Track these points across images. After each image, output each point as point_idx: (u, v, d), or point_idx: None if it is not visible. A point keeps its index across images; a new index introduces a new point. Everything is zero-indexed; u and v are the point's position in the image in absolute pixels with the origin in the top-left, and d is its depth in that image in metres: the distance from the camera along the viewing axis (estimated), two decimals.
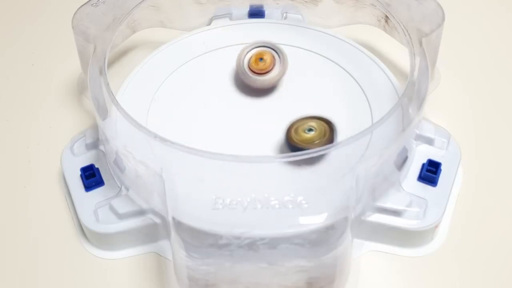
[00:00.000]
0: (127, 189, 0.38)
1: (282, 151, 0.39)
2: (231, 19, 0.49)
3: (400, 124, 0.37)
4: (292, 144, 0.38)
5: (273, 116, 0.42)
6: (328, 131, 0.38)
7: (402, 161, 0.39)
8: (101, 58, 0.40)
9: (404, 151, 0.39)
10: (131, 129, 0.36)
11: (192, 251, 0.34)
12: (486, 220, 0.40)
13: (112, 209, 0.38)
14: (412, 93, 0.38)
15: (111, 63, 0.48)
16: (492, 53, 0.50)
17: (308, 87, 0.44)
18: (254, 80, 0.42)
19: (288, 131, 0.39)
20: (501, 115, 0.46)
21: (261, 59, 0.42)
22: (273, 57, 0.43)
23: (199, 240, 0.34)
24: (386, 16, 0.45)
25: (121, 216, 0.38)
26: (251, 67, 0.43)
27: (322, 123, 0.39)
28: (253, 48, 0.43)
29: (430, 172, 0.39)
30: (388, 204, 0.37)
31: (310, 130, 0.38)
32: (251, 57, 0.43)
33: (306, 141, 0.38)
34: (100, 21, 0.42)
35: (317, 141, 0.38)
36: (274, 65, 0.43)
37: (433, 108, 0.43)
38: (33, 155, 0.44)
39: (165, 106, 0.43)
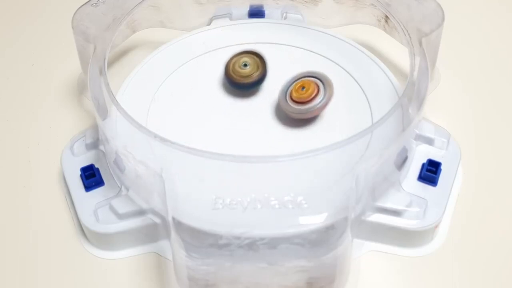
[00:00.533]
0: (127, 189, 0.38)
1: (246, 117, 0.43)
2: (231, 19, 0.49)
3: (400, 124, 0.37)
4: (232, 80, 0.43)
5: (274, 116, 0.42)
6: (260, 64, 0.43)
7: (402, 161, 0.39)
8: (101, 58, 0.40)
9: (404, 151, 0.39)
10: (131, 129, 0.36)
11: (192, 251, 0.34)
12: (486, 220, 0.40)
13: (112, 209, 0.38)
14: (412, 93, 0.38)
15: (111, 63, 0.48)
16: (492, 53, 0.50)
17: None
18: (294, 109, 0.41)
19: (227, 68, 0.43)
20: (501, 115, 0.46)
21: (303, 88, 0.41)
22: (317, 85, 0.41)
23: (199, 240, 0.34)
24: (386, 16, 0.45)
25: (121, 216, 0.38)
26: (292, 97, 0.41)
27: (254, 57, 0.43)
28: (297, 80, 0.42)
29: (430, 172, 0.39)
30: (388, 204, 0.37)
31: (245, 65, 0.43)
32: (293, 86, 0.41)
33: (244, 74, 0.42)
34: (100, 21, 0.42)
35: (254, 74, 0.42)
36: (317, 94, 0.40)
37: (433, 108, 0.43)
38: (33, 155, 0.44)
39: (165, 106, 0.43)
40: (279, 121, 0.42)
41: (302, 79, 0.41)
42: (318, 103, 0.40)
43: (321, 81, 0.41)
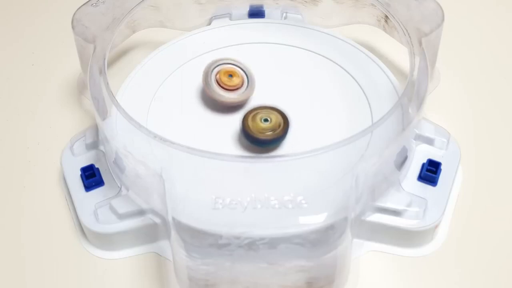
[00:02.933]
0: (127, 189, 0.38)
1: (239, 138, 0.41)
2: (231, 19, 0.49)
3: (400, 124, 0.37)
4: (245, 130, 0.39)
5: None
6: (282, 125, 0.39)
7: (402, 161, 0.39)
8: (100, 58, 0.40)
9: (404, 151, 0.39)
10: (131, 129, 0.36)
11: (192, 251, 0.34)
12: (486, 220, 0.40)
13: (112, 209, 0.38)
14: (412, 93, 0.38)
15: (111, 63, 0.48)
16: (492, 53, 0.50)
17: (308, 87, 0.44)
18: (220, 96, 0.42)
19: (246, 117, 0.40)
20: (501, 115, 0.46)
21: (231, 75, 0.42)
22: (243, 77, 0.42)
23: (199, 240, 0.34)
24: (386, 16, 0.45)
25: (121, 216, 0.38)
26: (220, 82, 0.42)
27: (279, 116, 0.40)
28: (221, 64, 0.42)
29: (430, 172, 0.39)
30: (388, 204, 0.37)
31: (266, 120, 0.39)
32: (220, 72, 0.42)
33: (259, 130, 0.39)
34: (100, 21, 0.42)
35: (269, 132, 0.39)
36: (242, 84, 0.42)
37: (433, 108, 0.43)
38: (33, 155, 0.44)
39: (165, 106, 0.43)
40: None
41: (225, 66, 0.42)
42: (243, 93, 0.41)
43: (243, 71, 0.42)
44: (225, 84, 0.42)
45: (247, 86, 0.42)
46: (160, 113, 0.42)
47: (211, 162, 0.34)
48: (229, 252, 0.33)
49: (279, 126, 0.39)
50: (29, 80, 0.49)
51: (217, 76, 0.42)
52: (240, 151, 0.40)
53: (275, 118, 0.40)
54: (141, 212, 0.38)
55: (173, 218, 0.34)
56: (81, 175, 0.40)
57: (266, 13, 0.49)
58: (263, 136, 0.39)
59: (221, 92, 0.42)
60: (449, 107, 0.46)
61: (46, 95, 0.48)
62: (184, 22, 0.49)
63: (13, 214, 0.41)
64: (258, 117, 0.40)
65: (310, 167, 0.36)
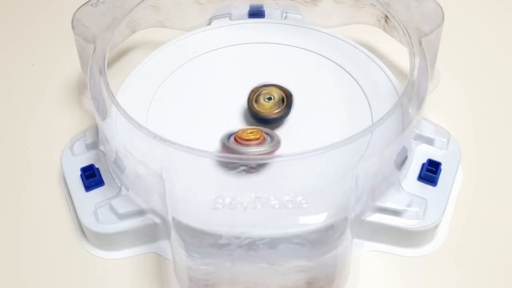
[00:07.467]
0: (127, 189, 0.38)
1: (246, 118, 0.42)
2: (231, 19, 0.49)
3: (400, 124, 0.37)
4: (253, 112, 0.41)
5: None
6: (285, 100, 0.41)
7: (402, 161, 0.39)
8: (101, 58, 0.40)
9: (404, 151, 0.39)
10: (131, 129, 0.36)
11: (192, 251, 0.34)
12: (486, 220, 0.40)
13: (112, 209, 0.38)
14: (412, 93, 0.38)
15: (111, 63, 0.48)
16: (492, 53, 0.50)
17: (308, 87, 0.44)
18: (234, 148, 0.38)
19: (250, 100, 0.41)
20: (501, 115, 0.46)
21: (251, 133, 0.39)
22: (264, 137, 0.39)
23: (199, 240, 0.34)
24: (386, 16, 0.45)
25: (121, 216, 0.38)
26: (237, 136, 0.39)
27: (280, 92, 0.41)
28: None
29: (430, 172, 0.39)
30: (388, 204, 0.37)
31: (269, 99, 0.41)
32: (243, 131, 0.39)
33: (266, 109, 0.41)
34: (99, 21, 0.42)
35: (276, 110, 0.41)
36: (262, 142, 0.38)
37: (433, 108, 0.43)
38: (33, 155, 0.44)
39: (165, 106, 0.43)
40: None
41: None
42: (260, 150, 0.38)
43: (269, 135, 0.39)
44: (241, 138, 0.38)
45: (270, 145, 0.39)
46: (160, 113, 0.42)
47: (211, 162, 0.34)
48: (229, 252, 0.33)
49: (283, 102, 0.41)
50: (29, 80, 0.49)
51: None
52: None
53: (277, 95, 0.41)
54: (141, 212, 0.38)
55: (173, 218, 0.34)
56: (81, 175, 0.40)
57: (266, 13, 0.49)
58: (271, 115, 0.40)
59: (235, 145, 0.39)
60: (449, 107, 0.46)
61: (46, 95, 0.48)
62: (184, 22, 0.49)
63: (13, 214, 0.41)
64: (261, 98, 0.41)
65: (310, 167, 0.36)
